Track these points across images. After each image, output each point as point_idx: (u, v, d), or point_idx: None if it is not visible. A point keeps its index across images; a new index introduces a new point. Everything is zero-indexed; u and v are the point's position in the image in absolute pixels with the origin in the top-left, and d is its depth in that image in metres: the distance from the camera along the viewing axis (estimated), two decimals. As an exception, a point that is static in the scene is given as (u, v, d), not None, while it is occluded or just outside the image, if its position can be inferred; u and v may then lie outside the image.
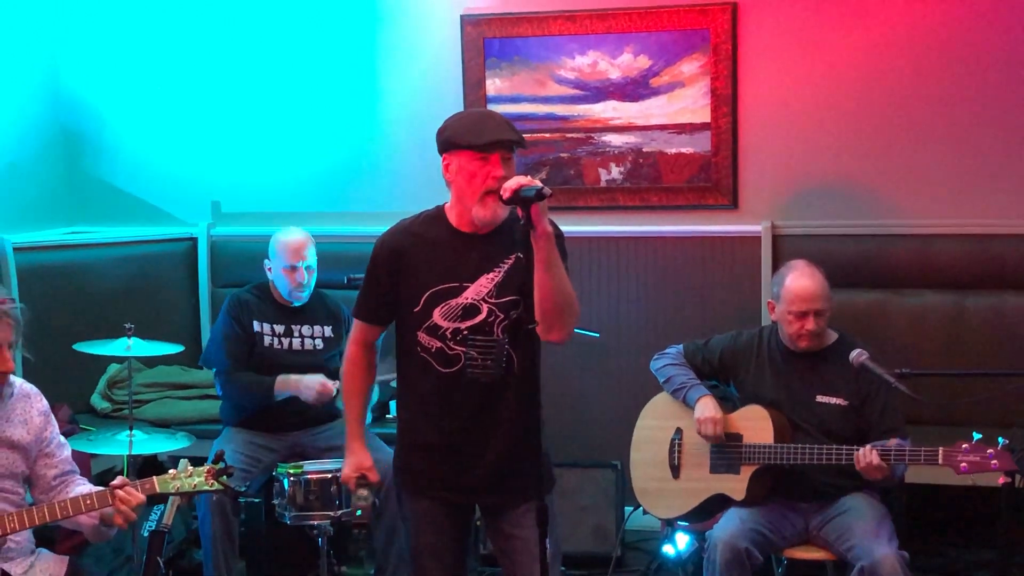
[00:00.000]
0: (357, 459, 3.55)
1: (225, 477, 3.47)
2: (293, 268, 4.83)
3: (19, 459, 3.50)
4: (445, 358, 3.41)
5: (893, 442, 3.92)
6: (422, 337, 3.43)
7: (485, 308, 3.40)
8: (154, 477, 3.46)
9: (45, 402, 3.61)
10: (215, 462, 3.49)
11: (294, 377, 4.73)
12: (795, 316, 4.16)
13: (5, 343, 3.40)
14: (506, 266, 3.41)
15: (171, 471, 3.49)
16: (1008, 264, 5.15)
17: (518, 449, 3.40)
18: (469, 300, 3.40)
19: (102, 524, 3.47)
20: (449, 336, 3.40)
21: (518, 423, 3.41)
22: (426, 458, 3.49)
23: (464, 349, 3.40)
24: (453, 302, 3.40)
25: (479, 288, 3.40)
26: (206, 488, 3.47)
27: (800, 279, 4.19)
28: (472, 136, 3.30)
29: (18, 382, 3.56)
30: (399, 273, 3.44)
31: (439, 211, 3.48)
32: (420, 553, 3.52)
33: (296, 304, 4.90)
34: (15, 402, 3.53)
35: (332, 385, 4.68)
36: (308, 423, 4.83)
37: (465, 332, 3.39)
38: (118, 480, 3.42)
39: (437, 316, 3.40)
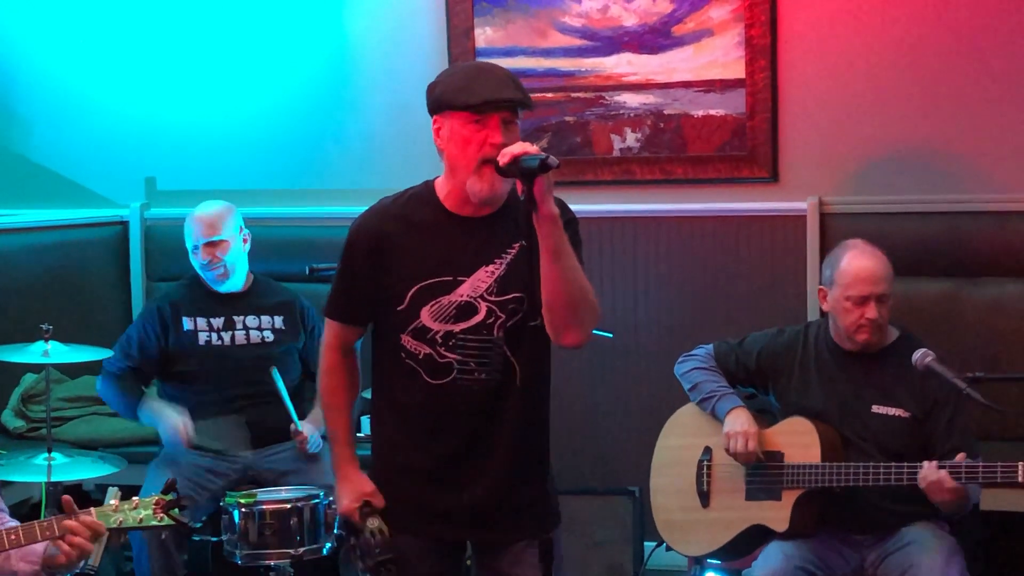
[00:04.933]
0: (354, 486, 3.48)
1: (177, 510, 3.49)
2: (197, 247, 4.93)
3: None
4: (435, 367, 3.37)
5: (961, 457, 3.93)
6: (407, 341, 3.38)
7: (483, 307, 3.35)
8: (92, 508, 3.47)
9: None
10: (165, 492, 3.50)
11: (158, 403, 4.86)
12: (854, 303, 4.18)
13: None
14: (509, 256, 3.36)
15: (112, 502, 3.49)
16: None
17: (519, 476, 3.40)
18: (464, 297, 3.35)
19: (44, 569, 3.45)
20: (440, 341, 3.36)
21: (520, 445, 3.40)
22: (408, 485, 3.46)
23: (457, 357, 3.35)
24: (445, 300, 3.35)
25: (476, 283, 3.35)
26: (154, 523, 3.47)
27: (860, 258, 4.21)
28: (466, 94, 3.25)
29: None
30: (380, 264, 3.40)
31: (427, 188, 3.43)
32: None
33: (221, 290, 4.97)
34: None
35: (186, 431, 4.73)
36: (262, 441, 4.86)
37: (459, 335, 3.35)
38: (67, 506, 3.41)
39: (426, 316, 3.36)
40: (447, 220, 3.37)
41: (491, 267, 3.35)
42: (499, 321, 3.34)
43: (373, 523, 3.41)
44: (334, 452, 3.57)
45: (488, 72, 3.35)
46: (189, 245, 4.97)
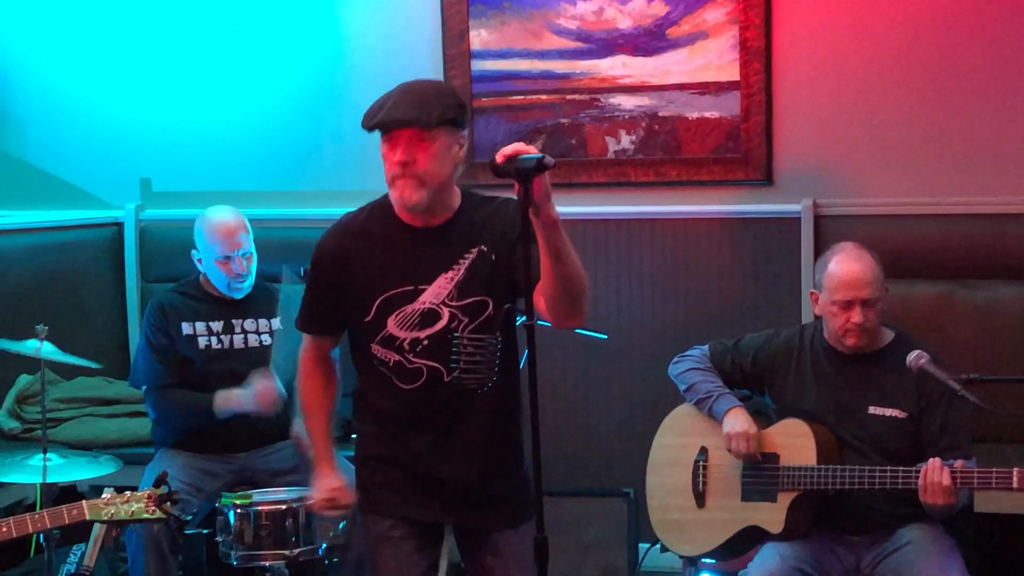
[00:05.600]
0: (325, 482, 3.68)
1: (169, 504, 3.49)
2: (228, 259, 4.87)
3: None
4: (405, 372, 3.54)
5: (960, 464, 3.93)
6: (377, 350, 3.56)
7: (446, 313, 3.52)
8: (83, 502, 3.47)
9: None
10: (157, 485, 3.52)
11: (234, 392, 4.78)
12: (840, 307, 4.18)
13: None
14: (467, 261, 3.52)
15: (105, 495, 3.50)
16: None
17: (493, 466, 3.60)
18: (427, 305, 3.52)
19: None
20: (407, 347, 3.53)
21: (492, 439, 3.59)
22: (388, 472, 3.63)
23: (427, 363, 3.52)
24: (408, 308, 3.52)
25: (437, 290, 3.52)
26: (146, 516, 3.50)
27: (845, 262, 4.21)
28: (368, 117, 3.44)
29: None
30: (344, 278, 3.58)
31: (386, 201, 3.57)
32: None
33: (237, 296, 4.93)
34: None
35: (272, 386, 4.71)
36: (257, 442, 4.87)
37: (425, 342, 3.52)
38: None
39: (392, 326, 3.53)
40: (403, 231, 3.55)
41: (450, 273, 3.52)
42: (462, 324, 3.52)
43: (333, 514, 3.74)
44: (314, 450, 3.75)
45: (399, 93, 3.45)
46: (212, 256, 4.88)
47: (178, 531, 4.44)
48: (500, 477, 3.60)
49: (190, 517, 4.54)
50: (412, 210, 3.48)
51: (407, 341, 3.53)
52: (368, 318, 3.54)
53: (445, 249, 3.53)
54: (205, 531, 4.68)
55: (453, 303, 3.52)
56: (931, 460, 3.94)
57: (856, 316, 4.16)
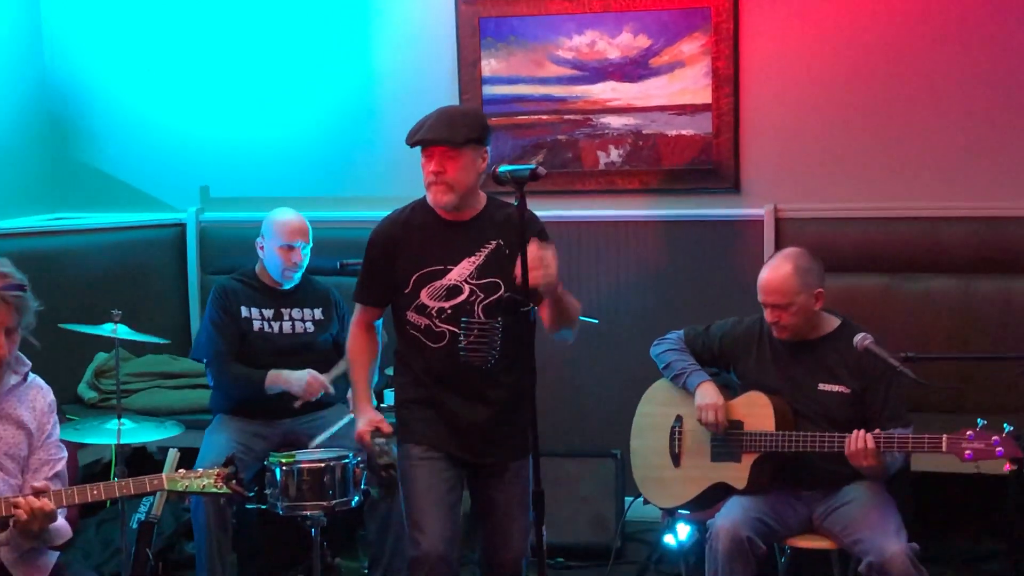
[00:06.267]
0: (368, 416, 3.88)
1: (235, 481, 3.54)
2: (290, 247, 4.86)
3: (23, 441, 3.54)
4: (433, 335, 3.82)
5: (877, 432, 3.94)
6: (411, 316, 3.84)
7: (467, 288, 3.81)
8: (163, 475, 3.52)
9: (53, 399, 3.68)
10: (226, 465, 3.56)
11: (284, 373, 4.78)
12: (763, 305, 4.21)
13: (2, 327, 3.44)
14: (486, 251, 3.82)
15: (180, 470, 3.55)
16: (1017, 248, 5.16)
17: (508, 413, 3.83)
18: (452, 281, 3.81)
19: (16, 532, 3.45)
20: (435, 314, 3.81)
21: (506, 389, 3.83)
22: (422, 412, 3.87)
23: (449, 327, 3.79)
24: (438, 283, 3.82)
25: (462, 270, 3.82)
26: (215, 491, 3.53)
27: (766, 269, 4.21)
28: (409, 136, 3.78)
29: (32, 375, 3.63)
30: (393, 259, 3.86)
31: (425, 200, 3.87)
32: (417, 495, 3.79)
33: (286, 286, 4.94)
34: (28, 388, 3.60)
35: (321, 380, 4.73)
36: (300, 411, 4.85)
37: (448, 311, 3.79)
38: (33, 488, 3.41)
39: (424, 296, 3.82)
40: (437, 223, 3.85)
41: (472, 258, 3.83)
42: (478, 299, 3.79)
43: (379, 440, 3.81)
44: (354, 395, 4.00)
45: (435, 117, 3.79)
46: (275, 243, 4.87)
47: (241, 503, 4.44)
48: (508, 424, 3.83)
49: (252, 494, 4.55)
50: (444, 208, 3.79)
51: (435, 309, 3.80)
52: (407, 290, 3.81)
53: (470, 239, 3.83)
54: (263, 506, 4.65)
55: (473, 281, 3.80)
56: (855, 431, 3.94)
57: (769, 315, 4.19)
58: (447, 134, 3.72)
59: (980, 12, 5.22)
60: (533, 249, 3.49)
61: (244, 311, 4.89)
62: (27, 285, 3.51)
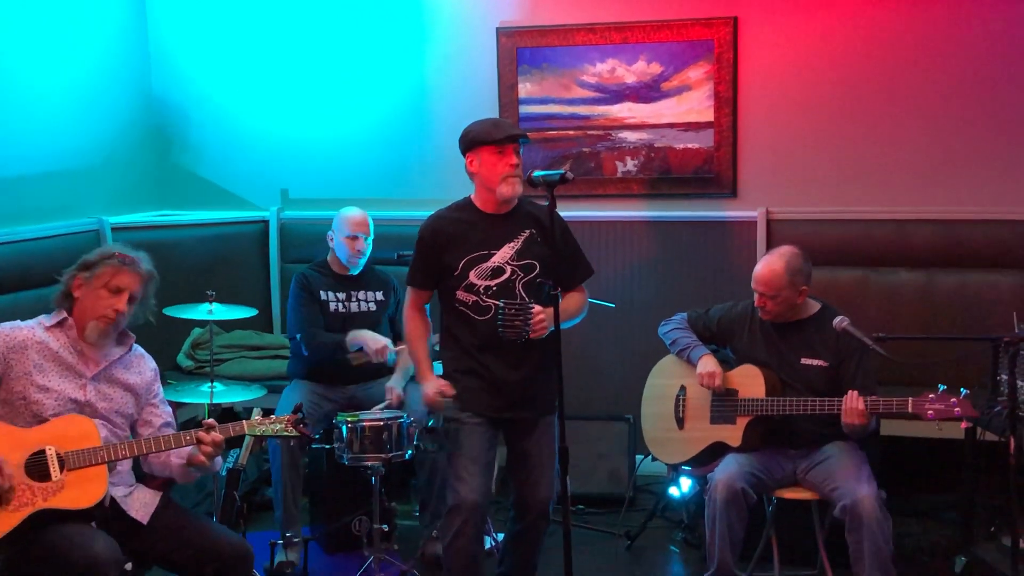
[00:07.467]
0: (434, 383, 3.90)
1: (302, 425, 3.56)
2: (354, 237, 4.88)
3: (131, 401, 3.57)
4: (479, 308, 3.85)
5: (873, 398, 3.92)
6: (460, 295, 3.87)
7: (509, 269, 3.85)
8: (243, 421, 3.54)
9: (156, 366, 3.72)
10: (294, 412, 3.57)
11: (363, 331, 4.78)
12: (754, 292, 4.18)
13: (128, 290, 3.47)
14: (522, 238, 3.87)
15: (256, 418, 3.56)
16: (971, 246, 5.16)
17: (538, 372, 3.84)
18: (496, 263, 3.85)
19: (188, 465, 3.52)
20: (482, 291, 3.84)
21: (540, 354, 3.83)
22: (466, 380, 3.87)
23: (494, 302, 3.79)
24: (484, 265, 3.85)
25: (504, 254, 3.86)
26: (286, 434, 3.55)
27: (761, 262, 4.19)
28: (492, 135, 3.77)
29: (136, 346, 3.67)
30: (441, 248, 3.88)
31: (467, 200, 3.94)
32: (461, 453, 3.82)
33: (353, 272, 4.95)
34: (134, 356, 3.65)
35: (388, 345, 4.72)
36: (363, 378, 4.86)
37: (494, 288, 3.83)
38: (206, 423, 3.46)
39: (472, 276, 3.85)
40: (482, 217, 3.90)
41: (512, 243, 3.87)
42: (519, 277, 3.84)
43: (447, 400, 3.85)
44: (417, 367, 4.01)
45: (500, 122, 3.91)
46: (342, 234, 4.88)
47: (308, 444, 4.47)
48: (540, 383, 3.86)
49: (318, 436, 4.56)
50: (512, 199, 3.84)
51: (481, 287, 3.83)
52: (457, 272, 3.84)
53: (508, 229, 3.87)
54: (327, 447, 4.69)
55: (513, 262, 3.85)
56: (849, 391, 3.93)
57: (757, 300, 4.17)
58: (523, 132, 3.84)
59: (937, 42, 5.19)
60: (538, 309, 3.68)
61: (322, 295, 4.90)
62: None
